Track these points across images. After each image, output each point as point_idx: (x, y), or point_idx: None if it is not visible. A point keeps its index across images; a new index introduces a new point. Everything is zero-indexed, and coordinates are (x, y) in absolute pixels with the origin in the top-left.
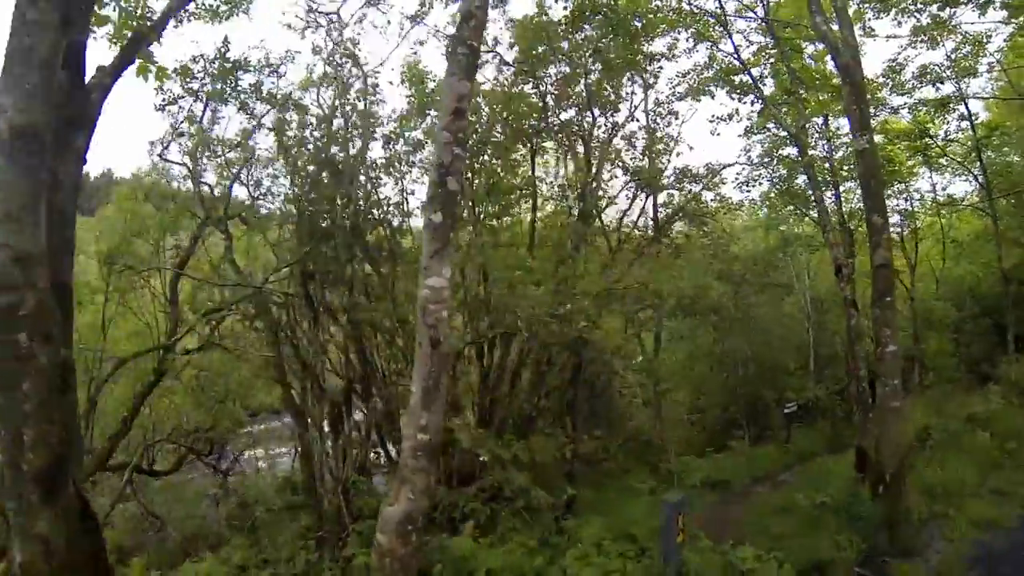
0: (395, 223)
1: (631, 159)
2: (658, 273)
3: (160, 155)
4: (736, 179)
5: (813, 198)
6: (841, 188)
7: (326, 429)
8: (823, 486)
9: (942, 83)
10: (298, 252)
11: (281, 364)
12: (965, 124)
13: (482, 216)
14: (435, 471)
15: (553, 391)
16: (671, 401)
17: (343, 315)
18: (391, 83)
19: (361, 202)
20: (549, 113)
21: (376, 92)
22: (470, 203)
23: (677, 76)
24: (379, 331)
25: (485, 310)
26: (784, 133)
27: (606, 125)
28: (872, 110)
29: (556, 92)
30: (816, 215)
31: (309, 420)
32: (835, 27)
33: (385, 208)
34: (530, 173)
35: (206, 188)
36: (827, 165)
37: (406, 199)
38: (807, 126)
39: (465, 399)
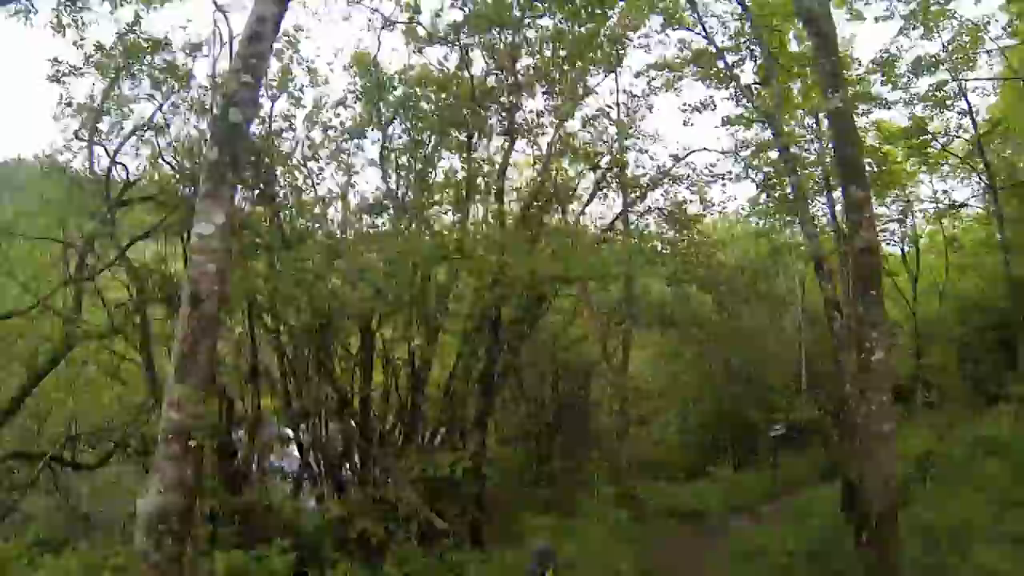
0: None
1: (584, 145)
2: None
3: (76, 133)
4: (711, 169)
5: (789, 183)
6: (836, 194)
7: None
8: (804, 524)
9: (938, 68)
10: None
11: (147, 344)
12: (966, 121)
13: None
14: (193, 461)
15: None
16: (658, 421)
17: None
18: (331, 69)
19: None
20: (496, 97)
21: (314, 74)
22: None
23: (648, 67)
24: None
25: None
26: (768, 134)
27: (560, 111)
28: (863, 107)
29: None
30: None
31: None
32: None
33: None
34: (467, 164)
35: (114, 168)
36: (818, 169)
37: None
38: (781, 113)
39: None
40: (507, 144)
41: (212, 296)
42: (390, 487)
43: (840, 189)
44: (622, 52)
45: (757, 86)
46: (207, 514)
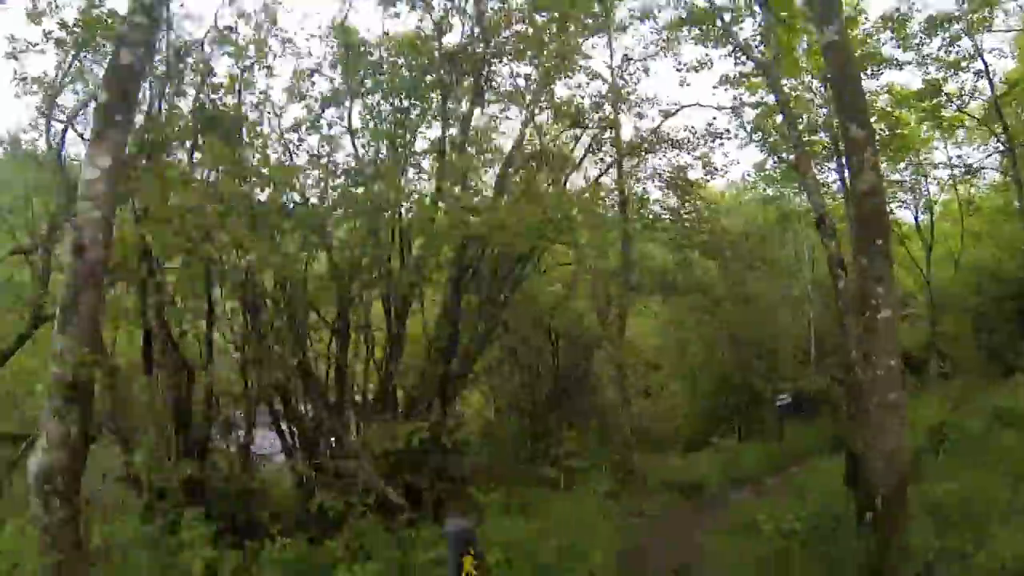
0: None
1: (576, 103)
2: None
3: (39, 110)
4: (709, 128)
5: (791, 138)
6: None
7: None
8: (806, 499)
9: (951, 26)
10: None
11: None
12: (982, 83)
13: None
14: (77, 417)
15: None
16: (666, 392)
17: None
18: (309, 38)
19: None
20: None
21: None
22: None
23: (632, 17)
24: None
25: None
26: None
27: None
28: (873, 68)
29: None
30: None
31: None
32: None
33: None
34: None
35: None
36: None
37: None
38: (778, 66)
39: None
40: (476, 103)
41: (96, 244)
42: (355, 460)
43: (840, 132)
44: (612, 9)
45: (757, 45)
46: (154, 488)
